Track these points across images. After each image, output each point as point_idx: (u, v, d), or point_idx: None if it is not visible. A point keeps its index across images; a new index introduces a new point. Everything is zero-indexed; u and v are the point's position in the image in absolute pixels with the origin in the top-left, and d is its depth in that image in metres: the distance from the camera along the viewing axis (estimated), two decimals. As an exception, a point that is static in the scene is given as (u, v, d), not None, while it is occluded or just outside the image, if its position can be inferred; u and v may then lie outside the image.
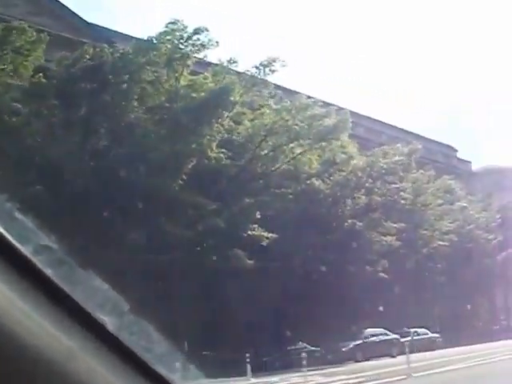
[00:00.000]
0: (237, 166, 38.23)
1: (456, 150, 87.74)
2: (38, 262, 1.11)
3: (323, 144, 38.86)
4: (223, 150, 34.37)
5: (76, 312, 1.13)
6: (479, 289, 56.78)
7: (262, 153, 38.73)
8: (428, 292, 50.52)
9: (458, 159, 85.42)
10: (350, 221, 38.18)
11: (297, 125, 37.19)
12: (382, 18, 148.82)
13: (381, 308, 39.62)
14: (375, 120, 72.39)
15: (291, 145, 38.42)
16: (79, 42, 39.79)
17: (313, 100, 38.15)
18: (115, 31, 45.02)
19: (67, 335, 1.11)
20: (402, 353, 29.71)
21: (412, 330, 41.07)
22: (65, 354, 1.09)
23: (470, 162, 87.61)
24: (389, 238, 40.20)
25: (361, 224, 38.27)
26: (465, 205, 57.72)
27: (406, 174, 52.66)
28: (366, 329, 36.40)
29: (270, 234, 33.70)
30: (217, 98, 36.26)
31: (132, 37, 40.78)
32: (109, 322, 1.20)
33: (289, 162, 39.19)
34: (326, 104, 39.20)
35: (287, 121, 37.03)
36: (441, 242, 52.03)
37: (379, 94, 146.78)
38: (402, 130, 76.04)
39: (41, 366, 1.06)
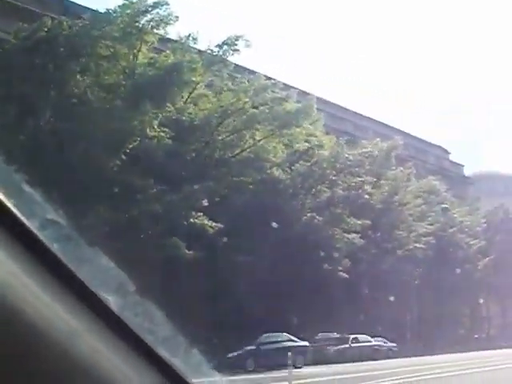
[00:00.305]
0: (192, 150, 35.71)
1: (449, 153, 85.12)
2: (43, 236, 1.06)
3: (286, 131, 36.18)
4: (165, 130, 31.71)
5: (80, 290, 1.09)
6: (458, 296, 53.95)
7: (220, 137, 36.12)
8: (400, 296, 47.78)
9: (451, 162, 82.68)
10: (309, 214, 35.42)
11: (256, 108, 34.53)
12: (383, 18, 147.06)
13: (335, 310, 36.57)
14: (364, 117, 69.86)
15: (253, 131, 35.74)
16: (46, 16, 37.47)
17: (273, 82, 35.35)
18: (89, 8, 42.52)
19: (70, 313, 1.08)
20: (318, 362, 26.70)
21: (351, 336, 37.84)
22: (67, 333, 1.06)
23: (462, 166, 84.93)
24: (352, 236, 37.29)
25: (321, 219, 35.47)
26: (446, 206, 54.88)
27: (386, 170, 50.14)
28: (265, 333, 29.88)
29: (215, 224, 31.03)
30: (170, 76, 33.72)
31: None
32: (113, 301, 1.16)
33: (249, 148, 36.55)
34: (288, 87, 36.43)
35: (245, 103, 34.37)
36: (417, 245, 49.25)
37: (379, 94, 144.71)
38: (393, 128, 73.60)
39: (43, 343, 1.02)
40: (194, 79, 35.20)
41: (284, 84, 36.29)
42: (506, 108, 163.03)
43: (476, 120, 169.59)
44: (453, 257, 54.31)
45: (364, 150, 38.27)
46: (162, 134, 31.45)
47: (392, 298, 46.13)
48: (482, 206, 66.78)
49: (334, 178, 36.08)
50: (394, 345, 43.32)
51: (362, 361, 32.44)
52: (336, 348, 36.09)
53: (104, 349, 1.12)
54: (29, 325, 1.02)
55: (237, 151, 36.61)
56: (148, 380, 1.18)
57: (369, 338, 39.38)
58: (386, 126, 71.80)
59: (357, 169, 36.65)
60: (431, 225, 52.69)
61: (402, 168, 50.47)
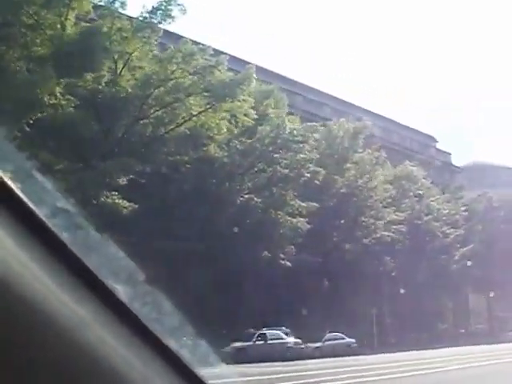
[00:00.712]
0: (122, 126, 32.46)
1: (436, 141, 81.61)
2: (53, 225, 1.05)
3: (225, 104, 32.73)
4: (70, 98, 28.36)
5: (89, 279, 1.09)
6: (431, 287, 50.30)
7: (151, 111, 32.77)
8: (364, 288, 44.33)
9: (437, 150, 79.10)
10: (246, 196, 31.94)
11: (185, 77, 31.13)
12: (374, 14, 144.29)
13: (270, 303, 32.88)
14: (345, 102, 66.43)
15: (186, 104, 32.36)
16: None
17: (201, 47, 31.83)
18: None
19: (78, 302, 1.08)
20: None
21: (257, 332, 33.19)
22: (75, 322, 1.06)
23: (449, 154, 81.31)
24: (297, 220, 33.71)
25: (260, 200, 31.97)
26: (420, 192, 51.28)
27: (353, 153, 46.69)
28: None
29: (129, 204, 27.68)
30: (88, 43, 30.40)
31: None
32: (122, 291, 1.15)
33: (185, 124, 33.19)
34: (219, 53, 32.85)
35: (172, 72, 30.96)
36: (386, 232, 45.72)
37: (372, 89, 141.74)
38: (377, 115, 70.30)
39: (50, 332, 1.03)
40: (119, 48, 31.91)
41: (220, 52, 32.73)
42: (494, 105, 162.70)
43: (466, 117, 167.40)
44: (427, 246, 50.74)
45: (309, 124, 34.53)
46: (64, 102, 28.07)
47: (353, 290, 42.73)
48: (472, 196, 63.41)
49: (275, 155, 32.50)
50: (353, 341, 39.89)
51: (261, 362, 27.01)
52: (234, 346, 30.67)
53: (111, 338, 1.10)
54: (37, 313, 1.00)
55: (171, 127, 33.24)
56: (154, 370, 1.17)
57: (281, 335, 34.15)
58: (371, 113, 68.71)
59: (301, 145, 32.99)
60: (403, 212, 49.21)
61: (369, 150, 46.92)
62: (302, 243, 35.36)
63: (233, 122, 33.23)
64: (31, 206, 1.03)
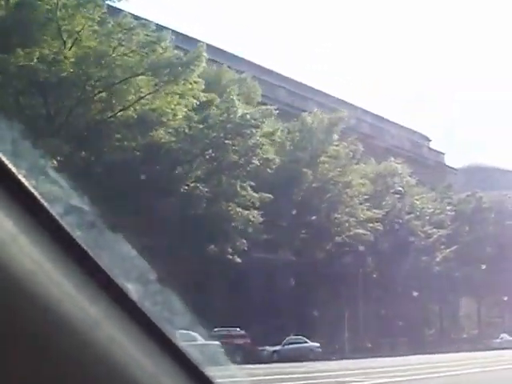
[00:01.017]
0: (66, 108, 30.26)
1: (429, 140, 78.98)
2: (66, 223, 1.05)
3: (176, 87, 30.37)
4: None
5: (100, 278, 1.09)
6: (408, 290, 47.68)
7: (95, 93, 30.45)
8: (335, 289, 41.85)
9: (430, 149, 76.44)
10: (192, 185, 29.49)
11: (125, 55, 28.78)
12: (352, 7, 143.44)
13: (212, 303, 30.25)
14: (330, 95, 63.90)
15: (132, 85, 30.06)
16: None
17: (143, 22, 29.43)
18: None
19: (90, 301, 1.08)
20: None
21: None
22: (86, 321, 1.07)
23: (443, 154, 78.64)
24: (247, 212, 31.10)
25: (206, 190, 29.49)
26: (401, 189, 48.66)
27: (328, 146, 44.19)
28: None
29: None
30: (25, 17, 28.17)
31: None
32: (133, 290, 1.15)
33: (132, 107, 30.89)
34: (162, 28, 30.44)
35: (114, 49, 28.59)
36: (360, 230, 43.16)
37: (363, 85, 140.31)
38: (366, 111, 68.00)
39: (60, 330, 1.03)
40: (62, 24, 29.61)
41: (157, 24, 30.29)
42: (470, 98, 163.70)
43: (440, 108, 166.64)
44: (408, 246, 48.12)
45: (263, 107, 31.99)
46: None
47: (324, 291, 40.30)
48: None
49: (226, 141, 29.99)
50: (317, 345, 37.44)
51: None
52: None
53: (121, 337, 1.11)
54: (47, 311, 1.01)
55: (116, 110, 30.93)
56: (163, 369, 1.17)
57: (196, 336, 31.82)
58: (359, 108, 66.37)
59: (254, 130, 30.47)
60: (381, 209, 46.65)
61: (344, 143, 44.42)
62: (263, 239, 33.01)
63: (182, 105, 30.84)
64: (45, 203, 1.00)
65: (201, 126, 30.74)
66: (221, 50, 48.29)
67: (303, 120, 44.50)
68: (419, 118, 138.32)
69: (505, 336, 54.39)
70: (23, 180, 0.99)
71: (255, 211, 31.15)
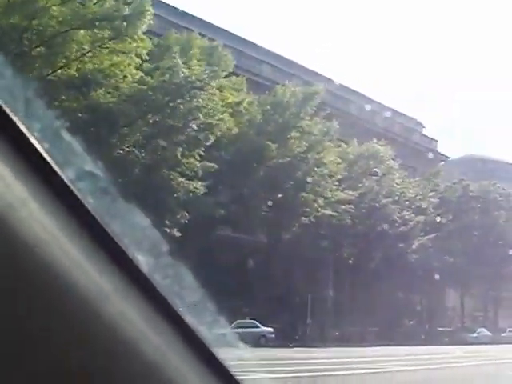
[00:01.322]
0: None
1: (423, 126, 76.28)
2: (78, 189, 1.02)
3: (120, 44, 28.00)
4: None
5: (111, 247, 1.05)
6: (378, 277, 45.22)
7: (32, 47, 28.16)
8: (297, 271, 39.51)
9: (422, 135, 73.73)
10: (127, 149, 27.11)
11: (59, 5, 26.43)
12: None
13: None
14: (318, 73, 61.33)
15: (72, 39, 27.72)
16: None
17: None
18: None
19: (99, 272, 1.04)
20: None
21: None
22: (95, 292, 1.04)
23: (436, 141, 75.97)
24: (189, 183, 28.62)
25: (142, 155, 27.10)
26: (376, 170, 46.15)
27: (299, 120, 41.73)
28: None
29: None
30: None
31: None
32: (144, 261, 1.09)
33: (72, 64, 28.56)
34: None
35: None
36: (327, 211, 40.71)
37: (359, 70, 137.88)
38: (360, 94, 65.41)
39: (69, 300, 1.00)
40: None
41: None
42: (470, 98, 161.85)
43: (440, 108, 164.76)
44: (381, 231, 45.65)
45: (210, 67, 29.40)
46: None
47: (284, 273, 37.93)
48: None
49: (171, 104, 27.51)
50: (271, 330, 35.15)
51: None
52: None
53: (130, 310, 1.07)
54: (55, 278, 0.98)
55: (55, 68, 28.60)
56: (170, 345, 1.13)
57: None
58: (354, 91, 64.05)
59: (199, 92, 27.95)
60: (355, 191, 44.23)
61: (317, 118, 41.93)
62: (218, 214, 30.66)
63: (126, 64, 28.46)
64: (56, 167, 0.96)
65: (144, 87, 28.35)
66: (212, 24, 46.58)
67: (276, 93, 42.18)
68: (419, 117, 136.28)
69: (482, 331, 52.02)
70: (35, 142, 0.94)
71: (199, 182, 28.76)
